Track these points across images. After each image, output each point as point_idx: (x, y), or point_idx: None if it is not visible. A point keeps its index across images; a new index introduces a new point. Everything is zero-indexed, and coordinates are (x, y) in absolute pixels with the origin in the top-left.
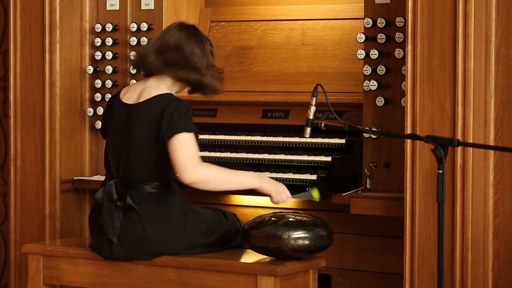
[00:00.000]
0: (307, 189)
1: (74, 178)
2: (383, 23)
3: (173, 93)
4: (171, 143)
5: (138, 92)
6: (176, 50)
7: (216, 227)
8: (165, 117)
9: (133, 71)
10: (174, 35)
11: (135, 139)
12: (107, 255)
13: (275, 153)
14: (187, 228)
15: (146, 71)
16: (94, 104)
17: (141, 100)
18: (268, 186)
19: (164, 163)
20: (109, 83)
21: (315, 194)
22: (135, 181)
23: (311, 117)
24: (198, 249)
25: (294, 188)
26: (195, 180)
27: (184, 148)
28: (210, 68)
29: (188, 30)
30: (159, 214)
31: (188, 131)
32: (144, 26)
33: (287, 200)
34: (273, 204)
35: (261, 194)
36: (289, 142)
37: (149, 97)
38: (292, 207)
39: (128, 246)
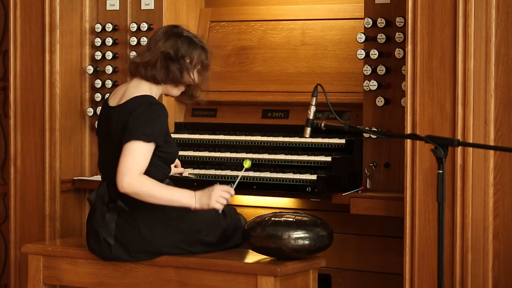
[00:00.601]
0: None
1: (74, 178)
2: (383, 23)
3: (154, 94)
4: (124, 147)
5: (121, 93)
6: (144, 49)
7: (213, 226)
8: (130, 120)
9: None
10: (153, 36)
11: (115, 141)
12: (105, 257)
13: (275, 153)
14: (184, 226)
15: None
16: (94, 104)
17: (121, 102)
18: (204, 201)
19: (151, 162)
20: (109, 83)
21: (247, 163)
22: None
23: (311, 117)
24: (196, 247)
25: (294, 188)
26: (127, 191)
27: (131, 158)
28: (167, 58)
29: (168, 27)
30: (154, 214)
31: (146, 140)
32: (144, 26)
33: (230, 198)
34: (273, 204)
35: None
36: (289, 142)
37: (128, 98)
38: (292, 207)
39: (126, 247)
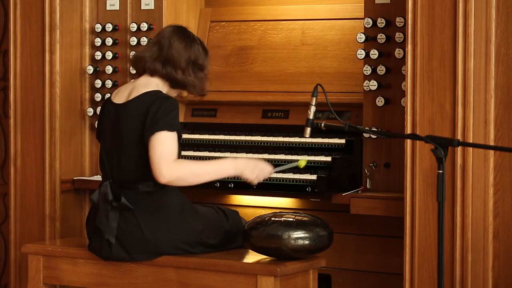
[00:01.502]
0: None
1: (74, 178)
2: (383, 23)
3: (163, 91)
4: (151, 141)
5: (128, 91)
6: (158, 47)
7: (215, 227)
8: (149, 114)
9: (133, 71)
10: (161, 34)
11: (124, 138)
12: (106, 257)
13: (275, 153)
14: (185, 226)
15: (136, 69)
16: (94, 104)
17: (131, 98)
18: (244, 172)
19: None
20: (109, 83)
21: (302, 163)
22: (129, 181)
23: (311, 117)
24: (198, 247)
25: (294, 188)
26: (170, 179)
27: (162, 147)
28: (195, 66)
29: (175, 28)
30: (155, 213)
31: (169, 129)
32: (144, 26)
33: (265, 177)
34: (273, 204)
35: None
36: (289, 142)
37: (138, 94)
38: (292, 207)
39: (126, 247)
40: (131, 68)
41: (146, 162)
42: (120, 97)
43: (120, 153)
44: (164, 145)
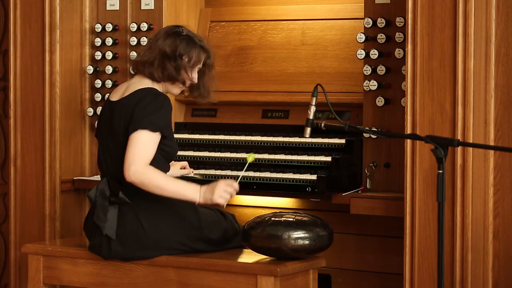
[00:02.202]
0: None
1: (74, 178)
2: (383, 23)
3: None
4: (131, 137)
5: (123, 89)
6: (147, 48)
7: (214, 224)
8: (137, 108)
9: (133, 72)
10: (154, 36)
11: (118, 134)
12: (106, 255)
13: (275, 153)
14: (185, 220)
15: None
16: (94, 104)
17: (124, 95)
18: (208, 196)
19: (154, 157)
20: (109, 83)
21: (250, 158)
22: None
23: (311, 117)
24: (197, 244)
25: (294, 188)
26: (134, 181)
27: (138, 148)
28: (165, 57)
29: (166, 29)
30: (154, 209)
31: (152, 129)
32: (144, 26)
33: (234, 192)
34: (273, 204)
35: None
36: (289, 142)
37: (132, 91)
38: (292, 207)
39: (126, 243)
40: (131, 68)
41: None
42: (116, 95)
43: (115, 148)
44: (141, 145)
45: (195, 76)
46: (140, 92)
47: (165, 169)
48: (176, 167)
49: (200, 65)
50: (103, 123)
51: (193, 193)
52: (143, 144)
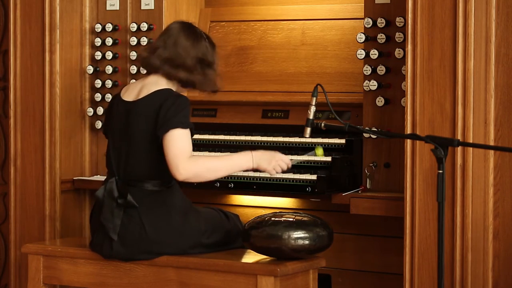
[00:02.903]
0: (314, 145)
1: (74, 178)
2: (383, 23)
3: (173, 89)
4: (165, 138)
5: (138, 89)
6: (165, 46)
7: (217, 227)
8: (161, 112)
9: (133, 71)
10: (168, 31)
11: (134, 136)
12: (107, 254)
13: None
14: (187, 227)
15: (144, 68)
16: (94, 104)
17: (141, 96)
18: (262, 164)
19: (164, 160)
20: (109, 83)
21: (319, 151)
22: (136, 179)
23: (311, 117)
24: (198, 249)
25: (294, 188)
26: (188, 176)
27: (176, 145)
28: (203, 64)
29: (181, 26)
30: (159, 213)
31: (183, 127)
32: (144, 26)
33: (286, 168)
34: (273, 204)
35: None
36: (289, 142)
37: (149, 93)
38: (292, 207)
39: (128, 245)
40: (131, 68)
41: (156, 160)
42: (130, 94)
43: (129, 150)
44: (179, 142)
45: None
46: (159, 94)
47: None
48: None
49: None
50: (115, 122)
51: (247, 161)
52: (180, 140)
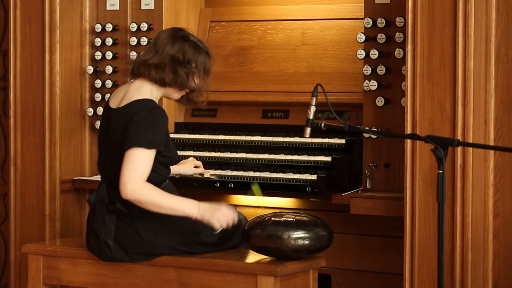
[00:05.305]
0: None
1: (74, 178)
2: (383, 23)
3: (155, 97)
4: (126, 153)
5: (122, 95)
6: (148, 50)
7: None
8: (131, 124)
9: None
10: (156, 37)
11: (113, 144)
12: (105, 258)
13: (275, 153)
14: (183, 227)
15: (132, 74)
16: (94, 104)
17: (122, 104)
18: (206, 215)
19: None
20: (109, 83)
21: (256, 190)
22: None
23: (311, 117)
24: (196, 248)
25: (294, 188)
26: (131, 199)
27: (134, 165)
28: (175, 62)
29: (172, 29)
30: (153, 215)
31: (148, 147)
32: (144, 26)
33: (231, 224)
34: (273, 204)
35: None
36: (289, 142)
37: (128, 102)
38: (292, 207)
39: (125, 248)
40: (131, 69)
41: None
42: (115, 101)
43: (112, 156)
44: (137, 163)
45: (198, 81)
46: (135, 105)
47: (165, 175)
48: (189, 166)
49: (202, 71)
50: (101, 126)
51: (191, 208)
52: (139, 161)
